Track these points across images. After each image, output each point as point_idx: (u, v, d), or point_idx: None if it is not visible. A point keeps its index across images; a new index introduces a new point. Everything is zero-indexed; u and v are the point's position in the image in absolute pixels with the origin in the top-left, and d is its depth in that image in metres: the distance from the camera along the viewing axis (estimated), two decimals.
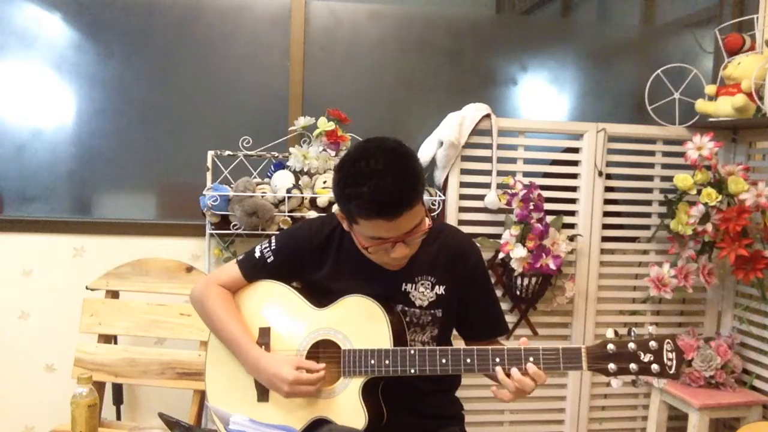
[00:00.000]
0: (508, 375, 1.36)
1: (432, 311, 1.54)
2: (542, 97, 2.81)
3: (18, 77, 2.44)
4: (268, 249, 1.59)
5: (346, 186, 1.35)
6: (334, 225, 1.58)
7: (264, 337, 1.54)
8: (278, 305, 1.57)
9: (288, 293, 1.57)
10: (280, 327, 1.54)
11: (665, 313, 2.55)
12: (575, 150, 2.44)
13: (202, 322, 1.63)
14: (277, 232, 1.93)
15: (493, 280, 2.32)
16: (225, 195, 2.23)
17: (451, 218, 2.35)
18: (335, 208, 2.23)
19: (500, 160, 2.36)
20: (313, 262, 1.57)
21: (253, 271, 1.60)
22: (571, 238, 2.39)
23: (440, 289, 1.54)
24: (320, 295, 1.56)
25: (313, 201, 2.29)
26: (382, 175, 1.32)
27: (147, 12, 2.49)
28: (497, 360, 1.39)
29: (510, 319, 2.41)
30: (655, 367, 1.30)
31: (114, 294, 2.22)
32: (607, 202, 2.46)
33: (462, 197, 2.37)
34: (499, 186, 2.34)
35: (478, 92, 2.67)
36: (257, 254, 1.60)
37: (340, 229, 1.57)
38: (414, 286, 1.53)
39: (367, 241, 1.40)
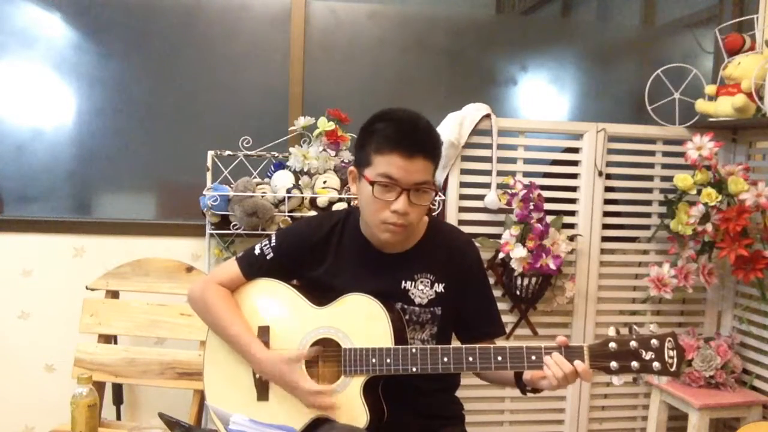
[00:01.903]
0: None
1: (431, 309, 1.54)
2: (542, 97, 2.81)
3: (18, 77, 2.44)
4: (268, 246, 1.59)
5: (374, 122, 1.44)
6: (335, 221, 1.59)
7: (263, 335, 1.53)
8: (277, 304, 1.56)
9: (287, 291, 1.57)
10: (280, 325, 1.54)
11: (665, 313, 2.55)
12: (575, 150, 2.44)
13: (202, 321, 1.62)
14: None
15: (493, 280, 2.34)
16: (225, 195, 2.23)
17: (451, 218, 2.35)
18: (337, 206, 2.25)
19: (500, 160, 2.36)
20: (313, 258, 1.57)
21: (253, 268, 1.59)
22: (571, 238, 2.39)
23: (440, 287, 1.54)
24: (320, 292, 1.56)
25: (313, 201, 2.29)
26: (409, 118, 1.44)
27: (147, 12, 2.49)
28: (499, 359, 1.39)
29: (510, 319, 2.41)
30: (656, 364, 1.30)
31: (114, 294, 2.22)
32: (607, 202, 2.46)
33: (462, 197, 2.37)
34: (499, 186, 2.34)
35: (478, 92, 2.68)
36: (257, 252, 1.59)
37: (340, 225, 1.58)
38: (413, 283, 1.53)
39: (376, 178, 1.41)
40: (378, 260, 1.53)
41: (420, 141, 1.41)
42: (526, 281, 2.31)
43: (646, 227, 2.50)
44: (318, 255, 1.57)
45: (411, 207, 1.42)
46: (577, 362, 1.34)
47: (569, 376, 1.34)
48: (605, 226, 2.46)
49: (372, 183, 1.41)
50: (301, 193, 2.28)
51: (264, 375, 1.50)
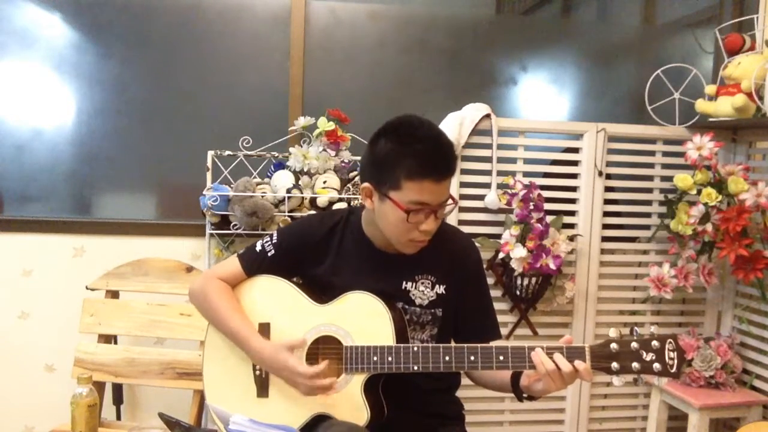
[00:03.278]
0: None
1: (432, 310, 1.54)
2: (542, 97, 2.81)
3: (18, 77, 2.45)
4: (270, 243, 1.59)
5: (400, 144, 1.39)
6: (336, 220, 1.59)
7: (264, 332, 1.53)
8: (278, 301, 1.57)
9: (288, 289, 1.57)
10: (281, 323, 1.54)
11: (665, 313, 2.55)
12: (575, 150, 2.44)
13: (202, 316, 1.62)
14: None
15: (493, 280, 2.34)
16: (225, 195, 2.24)
17: (451, 218, 2.34)
18: (337, 206, 2.25)
19: (500, 160, 2.36)
20: (314, 256, 1.57)
21: (254, 265, 1.59)
22: (571, 238, 2.39)
23: (440, 289, 1.54)
24: (320, 290, 1.56)
25: (313, 201, 2.29)
26: (434, 138, 1.41)
27: (147, 12, 2.50)
28: (501, 358, 1.39)
29: (510, 319, 2.41)
30: (656, 366, 1.32)
31: (114, 294, 2.22)
32: (607, 202, 2.45)
33: (462, 197, 2.37)
34: (499, 186, 2.34)
35: (478, 92, 2.68)
36: (258, 249, 1.60)
37: (342, 224, 1.58)
38: (414, 284, 1.53)
39: (409, 205, 1.40)
40: (379, 260, 1.53)
41: (449, 163, 1.41)
42: (526, 281, 2.31)
43: (646, 227, 2.50)
44: (319, 253, 1.57)
45: (437, 222, 1.45)
46: (577, 362, 1.34)
47: (567, 376, 1.33)
48: (605, 226, 2.46)
49: (407, 211, 1.40)
50: (301, 193, 2.28)
51: (264, 365, 1.49)
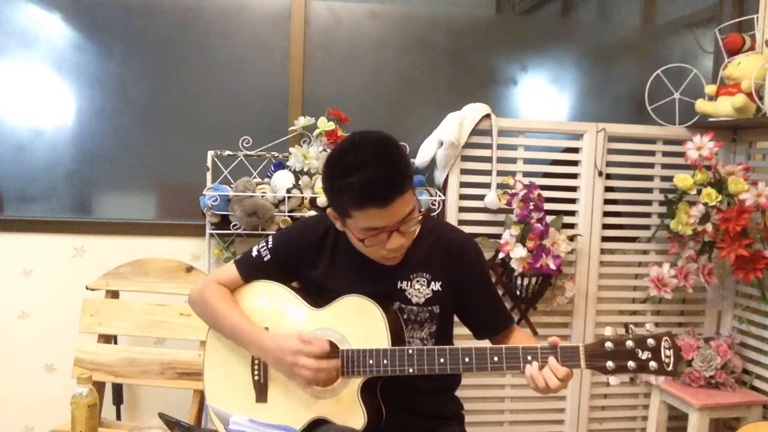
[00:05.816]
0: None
1: (429, 308, 1.54)
2: (542, 97, 2.81)
3: (18, 77, 2.45)
4: (265, 248, 1.60)
5: (335, 179, 1.37)
6: (330, 223, 1.59)
7: None
8: (275, 305, 1.57)
9: (285, 293, 1.57)
10: (278, 327, 1.54)
11: (665, 313, 2.55)
12: (575, 150, 2.44)
13: (202, 320, 1.63)
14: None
15: (493, 280, 2.33)
16: (225, 195, 2.24)
17: (451, 218, 2.35)
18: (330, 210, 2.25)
19: (500, 160, 2.36)
20: (309, 259, 1.58)
21: (251, 270, 1.60)
22: (571, 238, 2.39)
23: (436, 286, 1.54)
24: (317, 293, 1.56)
25: (313, 201, 2.29)
26: (370, 163, 1.34)
27: (147, 12, 2.49)
28: (495, 359, 1.39)
29: None
30: (653, 364, 1.30)
31: (114, 294, 2.22)
32: (607, 202, 2.46)
33: (462, 197, 2.37)
34: (499, 186, 2.34)
35: (478, 92, 2.67)
36: (254, 253, 1.60)
37: (335, 227, 1.58)
38: (410, 283, 1.53)
39: (362, 233, 1.40)
40: (373, 261, 1.53)
41: (393, 184, 1.34)
42: (526, 281, 2.31)
43: (646, 227, 2.50)
44: (314, 257, 1.57)
45: (404, 236, 1.43)
46: (550, 359, 1.35)
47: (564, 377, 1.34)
48: (605, 226, 2.46)
49: (361, 239, 1.40)
50: (301, 193, 2.28)
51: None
